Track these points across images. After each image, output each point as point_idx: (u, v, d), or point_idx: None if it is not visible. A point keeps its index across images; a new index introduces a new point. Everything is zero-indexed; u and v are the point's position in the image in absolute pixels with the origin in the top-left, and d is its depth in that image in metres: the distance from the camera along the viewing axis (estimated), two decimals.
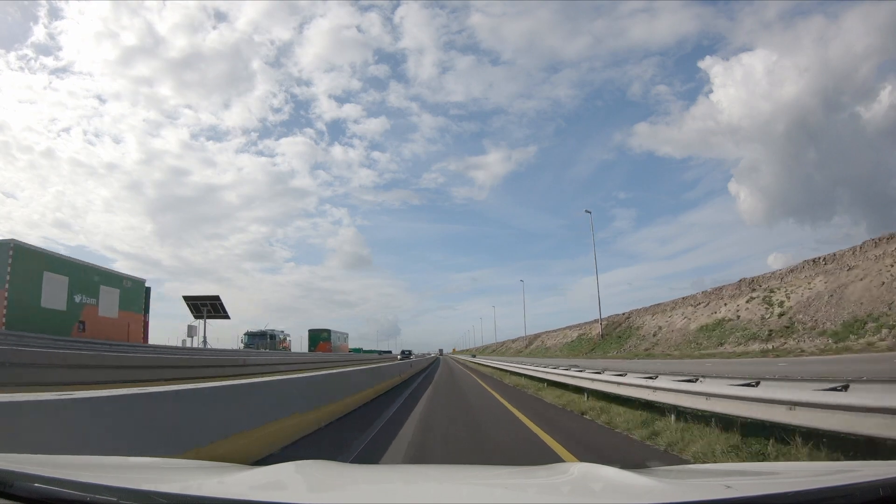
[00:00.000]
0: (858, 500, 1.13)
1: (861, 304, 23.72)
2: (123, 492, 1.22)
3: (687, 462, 4.90)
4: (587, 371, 12.06)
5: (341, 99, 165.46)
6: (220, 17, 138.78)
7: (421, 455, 5.69)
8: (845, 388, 4.78)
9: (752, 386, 5.55)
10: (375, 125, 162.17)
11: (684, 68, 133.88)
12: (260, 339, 48.99)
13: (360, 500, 1.57)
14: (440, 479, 2.02)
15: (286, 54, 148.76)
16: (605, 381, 9.42)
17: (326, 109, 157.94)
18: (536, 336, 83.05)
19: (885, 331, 21.03)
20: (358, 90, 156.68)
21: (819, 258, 31.13)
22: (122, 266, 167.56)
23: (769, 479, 1.65)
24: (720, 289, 38.84)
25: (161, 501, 1.21)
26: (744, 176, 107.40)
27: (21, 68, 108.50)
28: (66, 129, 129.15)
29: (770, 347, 26.29)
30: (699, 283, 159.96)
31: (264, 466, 1.83)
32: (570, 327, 68.15)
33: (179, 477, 1.76)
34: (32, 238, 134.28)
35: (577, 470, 1.83)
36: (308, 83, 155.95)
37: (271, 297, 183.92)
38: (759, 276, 35.74)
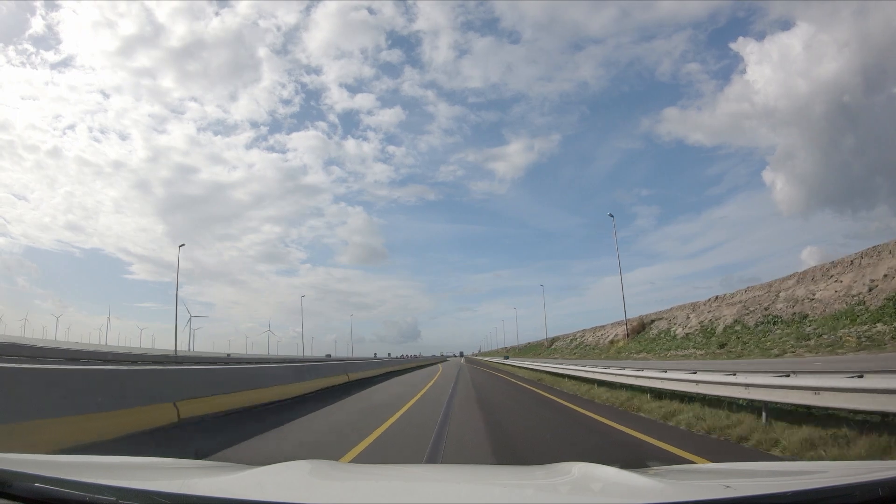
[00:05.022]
0: (858, 500, 1.13)
1: None
2: (123, 491, 1.23)
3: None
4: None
5: (353, 88, 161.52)
6: (222, 0, 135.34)
7: None
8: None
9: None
10: (390, 116, 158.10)
11: (717, 43, 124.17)
12: None
13: (359, 499, 1.57)
14: (439, 479, 2.02)
15: (293, 40, 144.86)
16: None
17: (338, 100, 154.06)
18: (556, 338, 75.52)
19: None
20: (370, 78, 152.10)
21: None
22: (137, 269, 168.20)
23: (769, 479, 1.65)
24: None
25: (161, 501, 1.21)
26: (780, 164, 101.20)
27: (22, 63, 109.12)
28: (71, 126, 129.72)
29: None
30: (727, 280, 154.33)
31: (264, 466, 1.84)
32: (602, 326, 59.29)
33: (179, 476, 1.76)
34: (46, 241, 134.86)
35: (577, 470, 1.84)
36: (318, 71, 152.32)
37: (287, 299, 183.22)
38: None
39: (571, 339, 66.49)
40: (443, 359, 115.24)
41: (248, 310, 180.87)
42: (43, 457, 1.73)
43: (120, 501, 1.18)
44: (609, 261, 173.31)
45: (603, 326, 59.13)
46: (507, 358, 56.77)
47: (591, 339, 59.14)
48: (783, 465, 2.22)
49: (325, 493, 1.63)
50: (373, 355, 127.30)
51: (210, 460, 2.33)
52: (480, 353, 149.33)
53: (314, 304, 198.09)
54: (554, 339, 75.36)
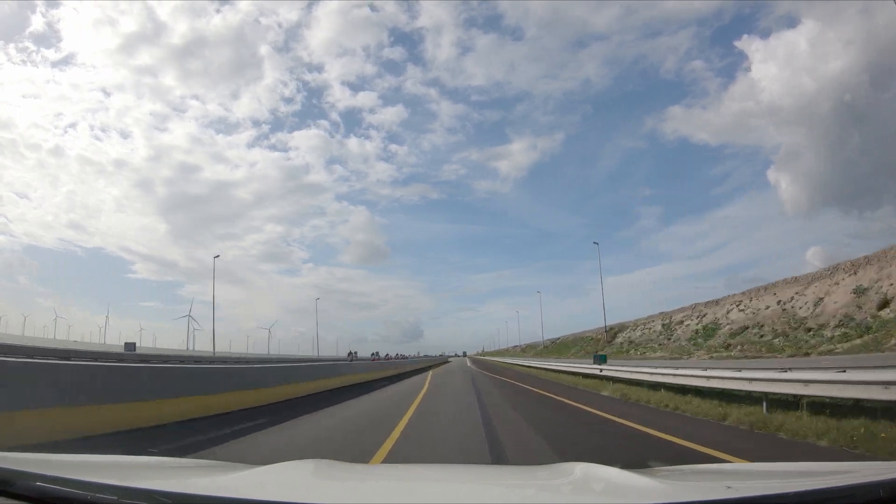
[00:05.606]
0: (858, 500, 1.13)
1: None
2: (124, 490, 1.23)
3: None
4: None
5: (355, 86, 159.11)
6: None
7: None
8: None
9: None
10: (392, 114, 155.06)
11: (722, 41, 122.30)
12: None
13: (360, 499, 1.57)
14: (440, 479, 2.02)
15: (295, 38, 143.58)
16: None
17: (340, 98, 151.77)
18: (620, 326, 51.63)
19: None
20: (373, 76, 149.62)
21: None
22: (140, 268, 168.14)
23: (771, 480, 1.65)
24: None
25: (162, 500, 1.21)
26: (784, 163, 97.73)
27: (23, 61, 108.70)
28: (73, 125, 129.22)
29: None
30: (732, 280, 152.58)
31: (265, 466, 1.84)
32: (724, 299, 37.15)
33: (180, 476, 1.76)
34: (48, 240, 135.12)
35: (579, 470, 1.84)
36: (319, 69, 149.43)
37: (290, 299, 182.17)
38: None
39: (667, 326, 40.75)
40: (443, 360, 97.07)
41: (251, 309, 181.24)
42: (45, 456, 1.74)
43: (122, 500, 1.19)
44: (612, 261, 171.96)
45: (723, 299, 36.11)
46: (602, 360, 23.44)
47: (714, 316, 35.14)
48: (785, 465, 2.22)
49: (326, 492, 1.63)
50: (348, 354, 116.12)
51: (212, 460, 2.34)
52: (484, 353, 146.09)
53: (316, 304, 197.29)
54: (615, 331, 49.95)
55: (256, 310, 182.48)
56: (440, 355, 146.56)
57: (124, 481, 1.33)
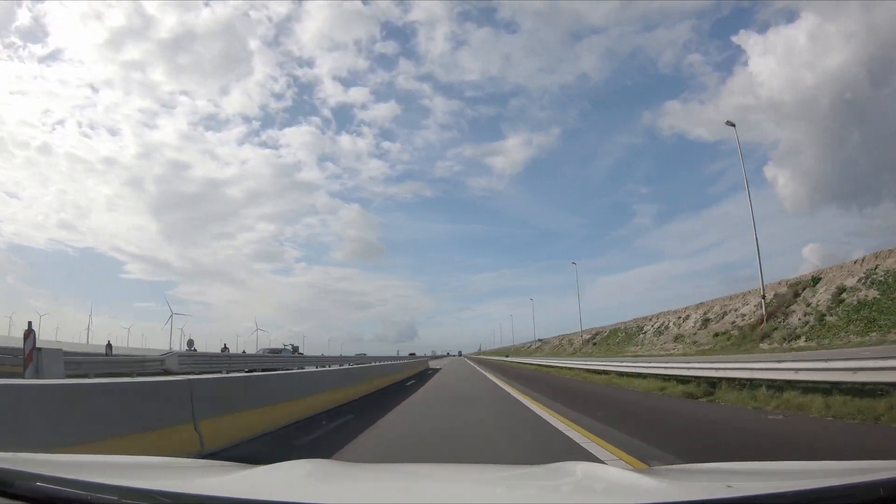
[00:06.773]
0: (858, 500, 1.13)
1: None
2: (124, 490, 1.23)
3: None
4: None
5: (347, 82, 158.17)
6: None
7: None
8: None
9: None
10: (385, 111, 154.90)
11: (721, 34, 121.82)
12: None
13: (360, 499, 1.57)
14: (441, 478, 2.02)
15: (285, 31, 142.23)
16: None
17: (332, 93, 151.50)
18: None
19: None
20: (365, 70, 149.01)
21: None
22: (132, 269, 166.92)
23: (770, 479, 1.65)
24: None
25: (162, 500, 1.21)
26: (783, 159, 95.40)
27: (10, 57, 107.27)
28: (61, 122, 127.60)
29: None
30: (728, 279, 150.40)
31: (265, 465, 1.84)
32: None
33: (180, 475, 1.76)
34: (39, 240, 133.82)
35: (579, 470, 1.83)
36: (310, 63, 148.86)
37: (287, 299, 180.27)
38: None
39: None
40: (422, 366, 36.43)
41: (247, 309, 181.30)
42: (44, 456, 1.74)
43: (121, 500, 1.18)
44: (608, 260, 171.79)
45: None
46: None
47: None
48: (785, 465, 2.22)
49: (325, 492, 1.62)
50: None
51: (212, 459, 2.34)
52: (482, 352, 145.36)
53: (314, 304, 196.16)
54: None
55: (254, 310, 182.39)
56: (412, 355, 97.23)
57: (124, 481, 1.33)
